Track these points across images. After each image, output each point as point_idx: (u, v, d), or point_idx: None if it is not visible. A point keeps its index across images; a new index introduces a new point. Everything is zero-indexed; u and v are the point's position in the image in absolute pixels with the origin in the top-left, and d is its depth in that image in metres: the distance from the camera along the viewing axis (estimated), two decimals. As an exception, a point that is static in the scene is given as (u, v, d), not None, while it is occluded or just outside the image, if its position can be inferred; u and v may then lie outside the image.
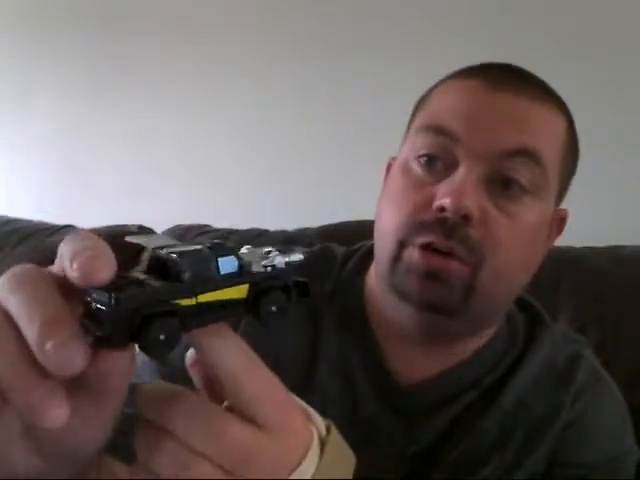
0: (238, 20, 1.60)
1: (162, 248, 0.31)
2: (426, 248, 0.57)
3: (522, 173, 0.58)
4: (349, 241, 0.77)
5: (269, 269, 0.33)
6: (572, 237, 0.67)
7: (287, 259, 0.34)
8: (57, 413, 0.28)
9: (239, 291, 0.32)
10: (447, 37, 1.38)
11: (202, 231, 1.34)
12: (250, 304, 0.32)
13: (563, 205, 0.66)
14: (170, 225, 1.40)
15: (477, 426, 0.63)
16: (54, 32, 1.83)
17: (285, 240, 1.18)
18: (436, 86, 0.66)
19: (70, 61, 1.82)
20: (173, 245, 0.32)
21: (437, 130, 0.59)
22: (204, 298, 0.31)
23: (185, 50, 1.66)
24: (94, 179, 1.78)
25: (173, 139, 1.68)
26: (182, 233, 1.35)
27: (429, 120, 0.61)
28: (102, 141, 1.77)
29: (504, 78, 0.61)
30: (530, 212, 0.59)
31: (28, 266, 0.31)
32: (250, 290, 0.32)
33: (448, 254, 0.57)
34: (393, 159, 0.68)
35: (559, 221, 0.66)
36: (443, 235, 0.56)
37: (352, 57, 1.47)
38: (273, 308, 0.33)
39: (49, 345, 0.27)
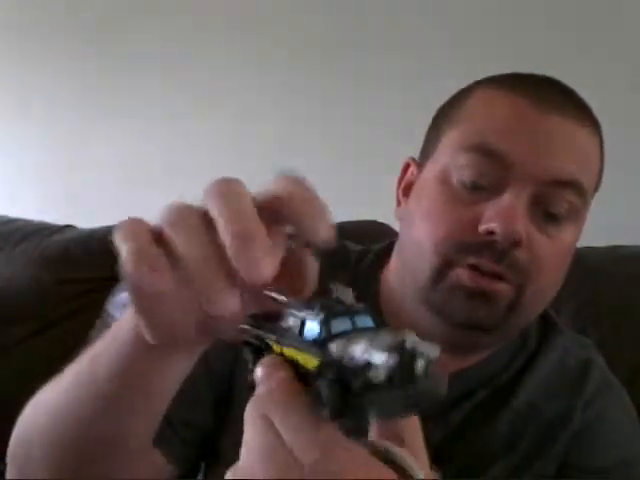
0: (238, 20, 1.60)
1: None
2: (474, 269, 0.57)
3: (567, 201, 0.59)
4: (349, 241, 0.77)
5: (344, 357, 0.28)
6: (572, 237, 0.67)
7: (368, 356, 0.27)
8: (232, 301, 0.31)
9: (311, 361, 0.30)
10: (447, 37, 1.37)
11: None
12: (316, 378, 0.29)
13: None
14: (170, 225, 1.40)
15: (488, 426, 0.63)
16: (54, 32, 1.83)
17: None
18: (471, 92, 0.64)
19: (70, 61, 1.82)
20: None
21: (484, 151, 0.58)
22: (287, 352, 0.31)
23: (184, 50, 1.66)
24: (94, 179, 1.77)
25: (172, 139, 1.68)
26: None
27: (474, 139, 0.59)
28: (102, 141, 1.76)
29: (551, 96, 0.60)
30: (569, 236, 0.61)
31: (235, 179, 0.34)
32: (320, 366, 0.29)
33: (495, 276, 0.57)
34: (412, 160, 0.67)
35: None
36: (493, 259, 0.57)
37: (352, 58, 1.47)
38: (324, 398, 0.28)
39: (243, 258, 0.30)
